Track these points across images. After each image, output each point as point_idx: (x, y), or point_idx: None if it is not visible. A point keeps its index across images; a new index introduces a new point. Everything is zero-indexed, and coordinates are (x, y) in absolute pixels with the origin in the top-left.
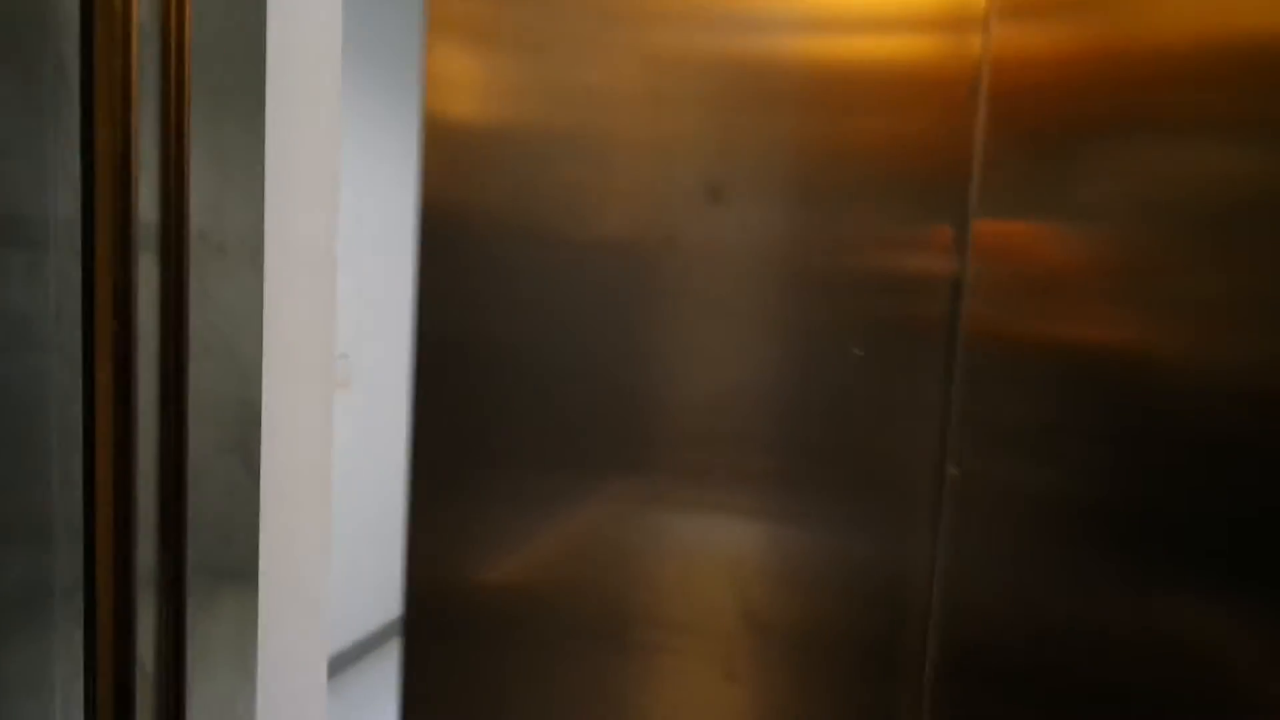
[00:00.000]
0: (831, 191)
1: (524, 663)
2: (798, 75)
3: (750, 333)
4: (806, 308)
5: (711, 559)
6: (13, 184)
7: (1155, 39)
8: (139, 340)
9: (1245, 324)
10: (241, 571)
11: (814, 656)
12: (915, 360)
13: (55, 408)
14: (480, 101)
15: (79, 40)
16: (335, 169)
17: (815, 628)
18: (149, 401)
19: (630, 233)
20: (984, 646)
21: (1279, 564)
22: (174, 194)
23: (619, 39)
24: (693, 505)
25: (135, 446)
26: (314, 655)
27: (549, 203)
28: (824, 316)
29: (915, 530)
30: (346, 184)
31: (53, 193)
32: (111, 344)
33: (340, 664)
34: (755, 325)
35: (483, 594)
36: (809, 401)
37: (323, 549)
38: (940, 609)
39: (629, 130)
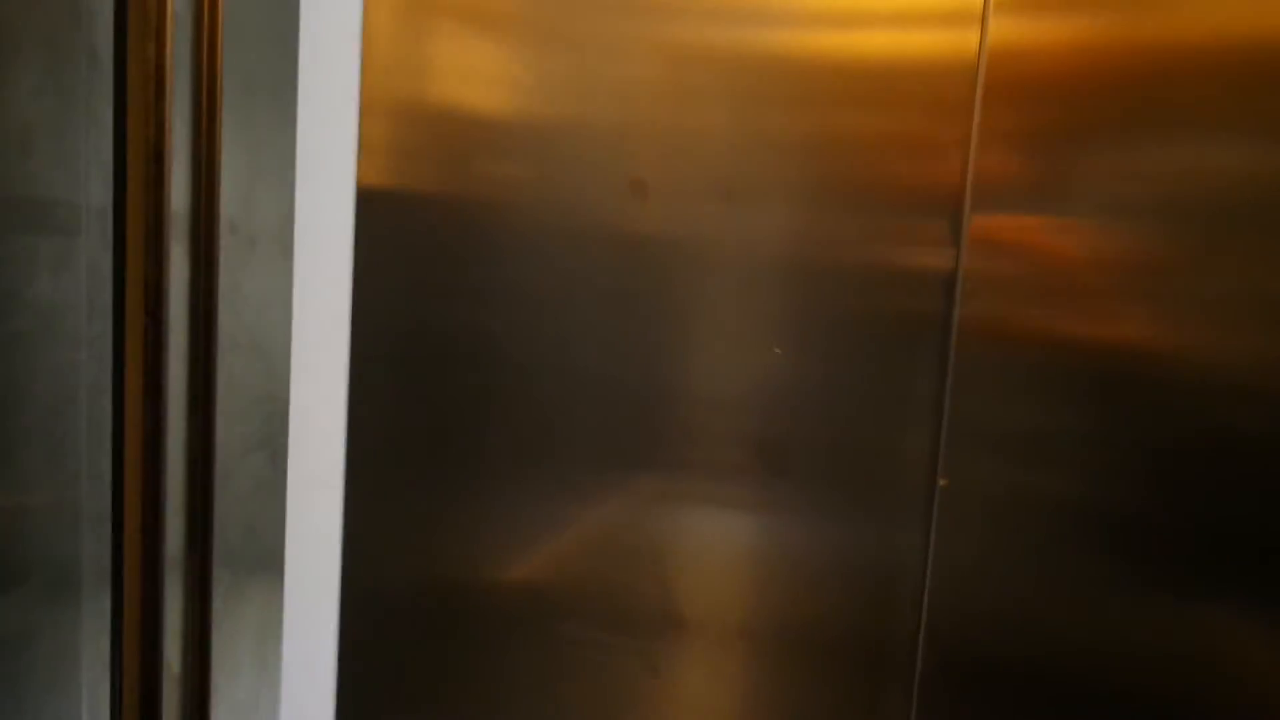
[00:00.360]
0: (821, 187)
1: (479, 669)
2: (788, 70)
3: (729, 330)
4: (791, 304)
5: (690, 558)
6: (45, 174)
7: (1155, 35)
8: (169, 334)
9: (1252, 322)
10: (267, 570)
11: (800, 658)
12: (908, 359)
13: (85, 401)
14: (422, 83)
15: (113, 28)
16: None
17: (801, 629)
18: (177, 397)
19: (597, 226)
20: (976, 655)
21: None
22: (205, 185)
23: (582, 26)
24: (669, 500)
25: (165, 443)
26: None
27: (513, 191)
28: (811, 313)
29: (906, 533)
30: None
31: (85, 183)
32: (142, 338)
33: None
34: (735, 322)
35: (434, 598)
36: (789, 400)
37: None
38: (930, 617)
39: (596, 120)
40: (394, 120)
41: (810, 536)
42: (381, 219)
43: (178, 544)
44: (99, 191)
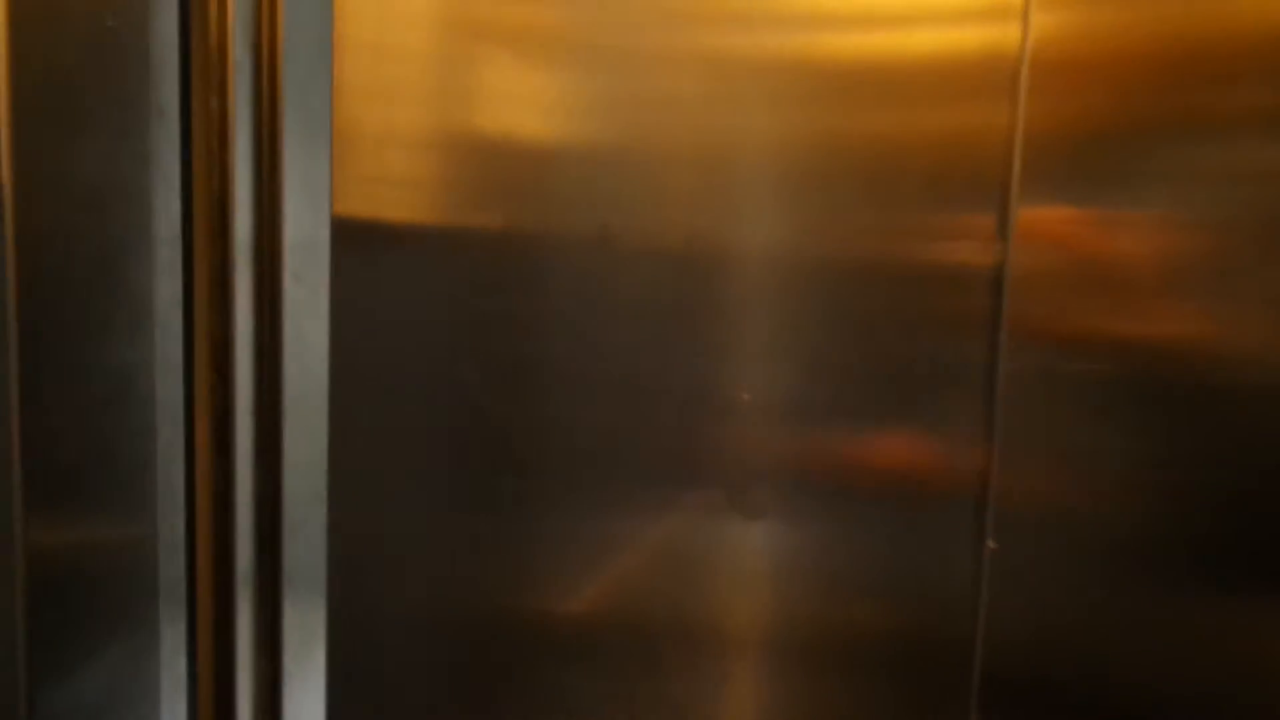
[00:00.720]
0: (869, 186)
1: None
2: (834, 71)
3: (765, 336)
4: (833, 306)
5: (717, 575)
6: (118, 234)
7: (1199, 25)
8: (236, 390)
9: None
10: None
11: (850, 676)
12: (955, 362)
13: (161, 465)
14: (396, 107)
15: (178, 84)
16: None
17: (849, 645)
18: (244, 454)
19: (622, 234)
20: (1035, 676)
21: None
22: (268, 236)
23: (590, 36)
24: (683, 518)
25: (235, 503)
26: None
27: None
28: (857, 313)
29: (958, 546)
30: None
31: (154, 240)
32: (210, 397)
33: None
34: (772, 327)
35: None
36: (826, 412)
37: None
38: (987, 635)
39: (629, 133)
40: (371, 143)
41: (854, 552)
42: (413, 257)
43: (247, 605)
44: (168, 249)
